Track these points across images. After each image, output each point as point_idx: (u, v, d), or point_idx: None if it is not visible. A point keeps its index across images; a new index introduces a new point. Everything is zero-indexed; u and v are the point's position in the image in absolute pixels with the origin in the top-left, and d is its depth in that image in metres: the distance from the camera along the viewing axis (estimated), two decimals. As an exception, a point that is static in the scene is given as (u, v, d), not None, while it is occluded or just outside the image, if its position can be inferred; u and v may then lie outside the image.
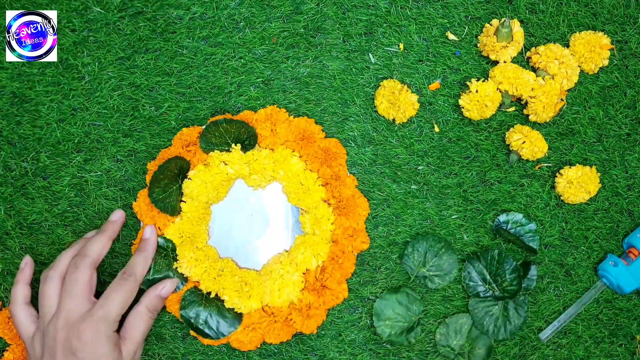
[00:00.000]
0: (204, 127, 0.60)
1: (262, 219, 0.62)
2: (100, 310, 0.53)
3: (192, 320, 0.59)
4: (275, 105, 0.62)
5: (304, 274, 0.60)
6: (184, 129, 0.61)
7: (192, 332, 0.60)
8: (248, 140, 0.60)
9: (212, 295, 0.59)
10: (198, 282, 0.60)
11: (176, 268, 0.59)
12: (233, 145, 0.59)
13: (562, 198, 0.62)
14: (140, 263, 0.57)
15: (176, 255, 0.59)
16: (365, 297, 0.62)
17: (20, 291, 0.57)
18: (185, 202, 0.59)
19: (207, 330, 0.59)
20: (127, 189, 0.63)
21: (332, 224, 0.59)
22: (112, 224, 0.59)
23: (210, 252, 0.60)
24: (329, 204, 0.60)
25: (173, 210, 0.59)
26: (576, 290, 0.63)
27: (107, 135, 0.63)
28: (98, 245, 0.57)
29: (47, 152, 0.63)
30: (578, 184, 0.61)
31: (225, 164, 0.59)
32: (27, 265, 0.58)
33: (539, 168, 0.63)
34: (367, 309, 0.62)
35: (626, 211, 0.63)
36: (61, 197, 0.63)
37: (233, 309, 0.59)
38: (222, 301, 0.59)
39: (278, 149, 0.60)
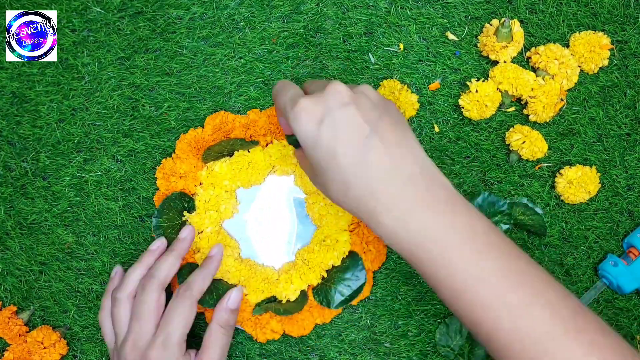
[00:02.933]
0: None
1: (267, 216, 0.62)
2: (163, 335, 0.51)
3: None
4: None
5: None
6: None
7: None
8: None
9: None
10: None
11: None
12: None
13: (562, 198, 0.62)
14: (198, 281, 0.54)
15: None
16: (365, 297, 0.62)
17: (108, 302, 0.56)
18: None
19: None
20: (127, 189, 0.63)
21: None
22: (181, 242, 0.57)
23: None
24: None
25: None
26: (576, 290, 0.63)
27: (107, 135, 0.63)
28: (166, 265, 0.54)
29: (47, 152, 0.63)
30: (578, 184, 0.61)
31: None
32: (117, 274, 0.58)
33: (539, 168, 0.63)
34: (366, 309, 0.62)
35: (626, 211, 0.63)
36: (61, 197, 0.63)
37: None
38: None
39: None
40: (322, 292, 0.59)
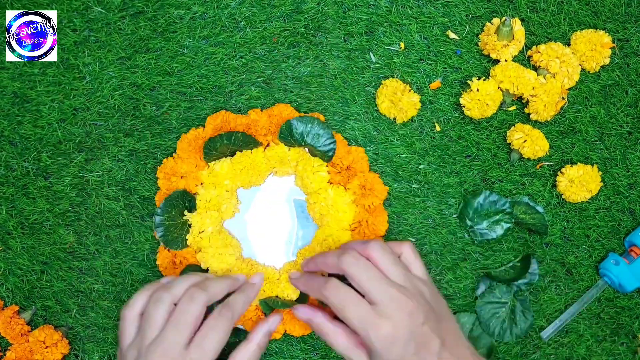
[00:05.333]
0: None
1: (267, 216, 0.62)
2: (198, 351, 0.49)
3: None
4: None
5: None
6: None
7: None
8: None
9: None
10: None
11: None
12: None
13: (563, 197, 0.62)
14: (239, 303, 0.53)
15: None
16: (366, 296, 0.62)
17: (141, 300, 0.53)
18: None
19: None
20: (128, 189, 0.63)
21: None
22: (251, 287, 0.57)
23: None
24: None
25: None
26: (578, 289, 0.63)
27: (108, 135, 0.63)
28: (220, 287, 0.53)
29: (48, 151, 0.63)
30: (579, 182, 0.61)
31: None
32: (162, 282, 0.55)
33: (540, 167, 0.63)
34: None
35: (627, 210, 0.63)
36: (62, 196, 0.63)
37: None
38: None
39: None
40: None
